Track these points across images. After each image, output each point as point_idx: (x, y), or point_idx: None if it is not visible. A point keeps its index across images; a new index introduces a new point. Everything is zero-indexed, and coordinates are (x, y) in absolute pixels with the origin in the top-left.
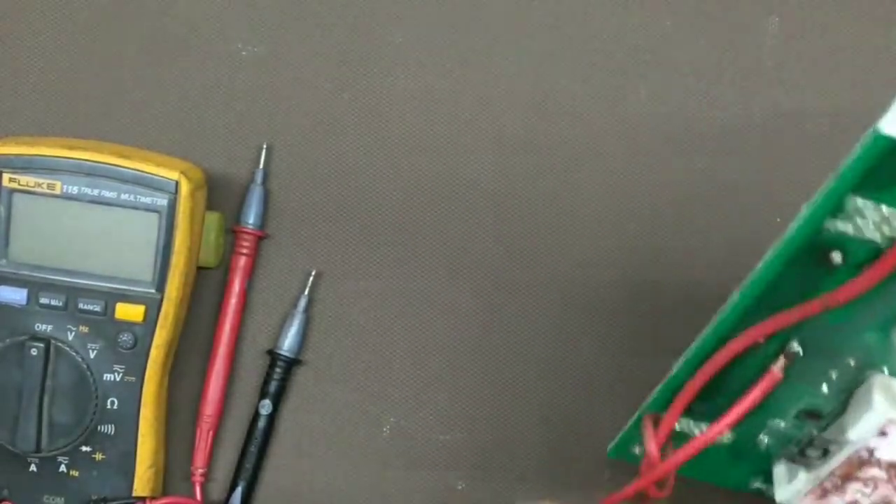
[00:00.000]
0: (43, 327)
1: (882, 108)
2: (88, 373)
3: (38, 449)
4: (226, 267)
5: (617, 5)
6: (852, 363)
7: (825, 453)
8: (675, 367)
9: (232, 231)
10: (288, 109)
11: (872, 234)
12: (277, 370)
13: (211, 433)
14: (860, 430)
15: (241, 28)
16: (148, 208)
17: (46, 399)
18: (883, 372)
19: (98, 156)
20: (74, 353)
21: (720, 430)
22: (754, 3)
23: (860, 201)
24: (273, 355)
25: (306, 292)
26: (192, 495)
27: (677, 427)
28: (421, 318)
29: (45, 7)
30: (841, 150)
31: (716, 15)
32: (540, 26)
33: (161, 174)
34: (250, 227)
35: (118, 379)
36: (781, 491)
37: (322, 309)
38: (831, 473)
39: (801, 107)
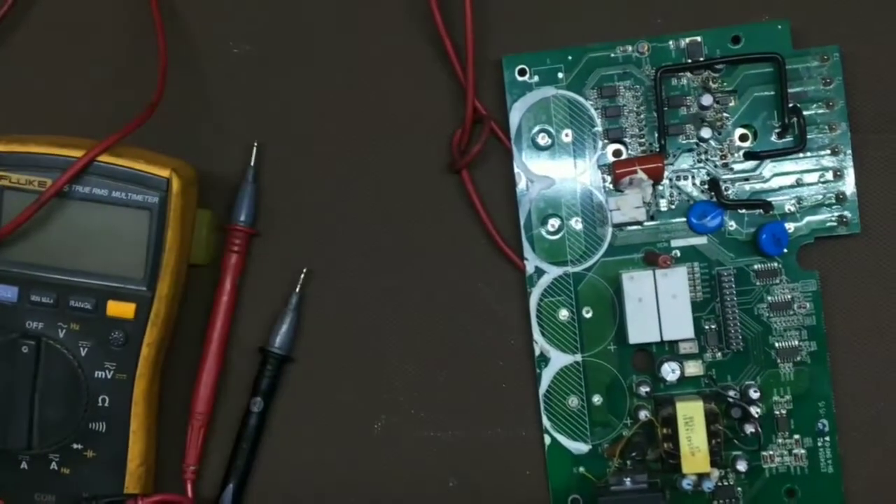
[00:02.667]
0: (34, 325)
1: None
2: (79, 370)
3: (29, 447)
4: (217, 264)
5: (618, 4)
6: None
7: None
8: None
9: (223, 228)
10: (279, 107)
11: None
12: (269, 367)
13: (202, 430)
14: None
15: (231, 27)
16: (139, 206)
17: (37, 397)
18: None
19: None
20: (65, 351)
21: None
22: (752, 2)
23: None
24: (264, 353)
25: (297, 290)
26: (184, 492)
27: None
28: (412, 315)
29: (42, 7)
30: None
31: (710, 13)
32: (533, 24)
33: (152, 172)
34: (242, 224)
35: (109, 376)
36: None
37: (313, 306)
38: None
39: None
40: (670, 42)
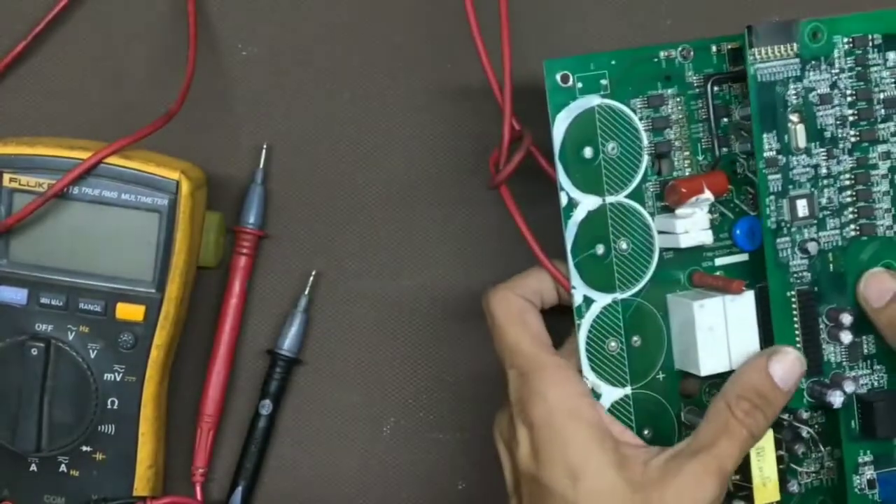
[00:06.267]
0: (43, 327)
1: None
2: (89, 373)
3: (38, 449)
4: (226, 267)
5: (620, 4)
6: None
7: None
8: None
9: (232, 231)
10: (288, 109)
11: None
12: (277, 370)
13: (211, 433)
14: None
15: (240, 28)
16: (148, 208)
17: (47, 399)
18: None
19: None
20: (74, 353)
21: None
22: (755, 2)
23: None
24: (273, 355)
25: (306, 292)
26: (193, 495)
27: None
28: (421, 318)
29: (46, 9)
30: None
31: (717, 14)
32: (541, 26)
33: (161, 174)
34: (250, 226)
35: (118, 379)
36: None
37: (322, 309)
38: None
39: None
40: (713, 46)
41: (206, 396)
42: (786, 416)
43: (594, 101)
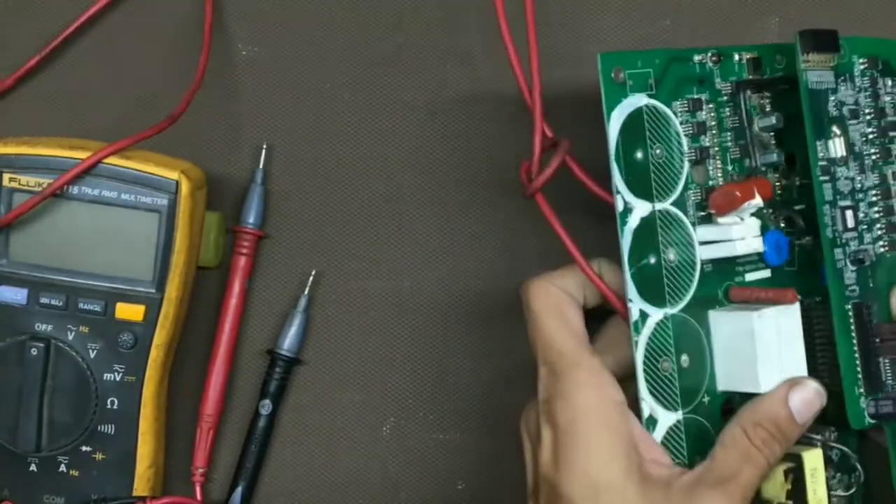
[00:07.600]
0: (43, 327)
1: None
2: (88, 373)
3: (38, 449)
4: (226, 267)
5: (618, 4)
6: None
7: None
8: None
9: (232, 231)
10: (288, 109)
11: None
12: (277, 370)
13: (211, 433)
14: None
15: (241, 28)
16: (148, 208)
17: (46, 399)
18: None
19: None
20: (74, 353)
21: None
22: (754, 2)
23: None
24: (273, 355)
25: (306, 292)
26: (193, 495)
27: None
28: (420, 318)
29: (45, 8)
30: None
31: (716, 14)
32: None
33: (161, 174)
34: (250, 226)
35: (118, 379)
36: None
37: (322, 309)
38: None
39: None
40: (735, 55)
41: (206, 396)
42: (818, 437)
43: (643, 100)
